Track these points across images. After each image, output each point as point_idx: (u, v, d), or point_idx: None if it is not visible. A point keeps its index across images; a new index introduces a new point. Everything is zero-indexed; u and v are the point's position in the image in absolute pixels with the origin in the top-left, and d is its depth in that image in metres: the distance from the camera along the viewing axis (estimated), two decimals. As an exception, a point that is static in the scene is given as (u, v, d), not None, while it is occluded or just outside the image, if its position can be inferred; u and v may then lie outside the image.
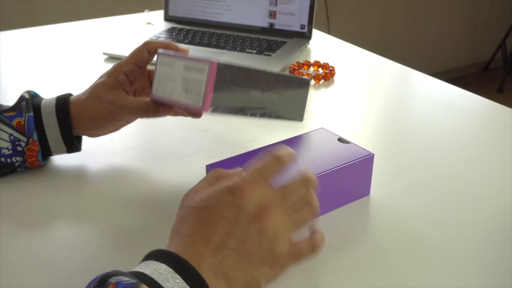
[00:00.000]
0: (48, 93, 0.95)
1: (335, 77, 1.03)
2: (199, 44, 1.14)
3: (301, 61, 1.08)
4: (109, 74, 0.68)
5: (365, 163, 0.64)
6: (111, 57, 1.11)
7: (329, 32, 2.54)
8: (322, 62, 1.06)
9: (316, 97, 0.95)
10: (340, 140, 0.66)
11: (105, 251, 0.57)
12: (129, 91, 0.68)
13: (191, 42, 1.15)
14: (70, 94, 0.70)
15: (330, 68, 1.03)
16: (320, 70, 1.05)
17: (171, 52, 0.62)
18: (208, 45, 1.14)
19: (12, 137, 0.65)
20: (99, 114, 0.67)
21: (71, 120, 0.67)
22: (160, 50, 0.63)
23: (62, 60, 1.10)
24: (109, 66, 1.07)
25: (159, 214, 0.63)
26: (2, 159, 0.66)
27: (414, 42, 3.25)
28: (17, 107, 0.66)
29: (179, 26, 1.23)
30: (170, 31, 1.21)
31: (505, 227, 0.61)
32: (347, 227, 0.61)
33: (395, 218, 0.63)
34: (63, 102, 0.68)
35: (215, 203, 0.47)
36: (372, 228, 0.61)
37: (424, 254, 0.57)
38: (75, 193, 0.67)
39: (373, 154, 0.64)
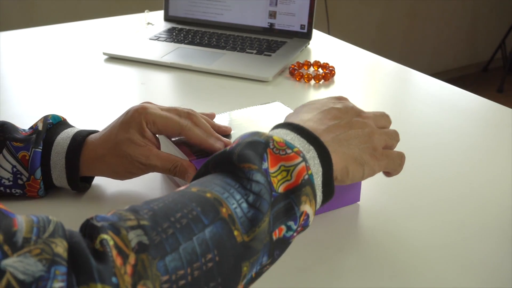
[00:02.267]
0: (48, 93, 0.95)
1: (335, 77, 1.03)
2: (199, 44, 1.14)
3: (301, 61, 1.08)
4: (135, 128, 0.61)
5: None
6: (111, 57, 1.11)
7: (329, 32, 2.54)
8: (322, 62, 1.06)
9: (316, 97, 0.95)
10: None
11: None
12: (157, 144, 0.64)
13: (191, 42, 1.15)
14: (90, 133, 0.65)
15: (330, 68, 1.03)
16: (320, 70, 1.05)
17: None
18: (208, 45, 1.14)
19: (14, 169, 0.62)
20: (126, 169, 0.63)
21: (82, 164, 0.63)
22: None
23: (62, 60, 1.10)
24: (109, 66, 1.08)
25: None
26: (1, 188, 0.63)
27: (414, 42, 3.25)
28: (26, 139, 0.63)
29: (179, 26, 1.23)
30: (170, 31, 1.21)
31: (505, 227, 0.61)
32: (348, 227, 0.61)
33: (395, 218, 0.63)
34: (78, 142, 0.63)
35: (323, 100, 0.58)
36: (372, 228, 0.61)
37: (424, 254, 0.57)
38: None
39: None
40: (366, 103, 0.93)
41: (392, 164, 0.57)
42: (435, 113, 0.89)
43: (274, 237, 0.44)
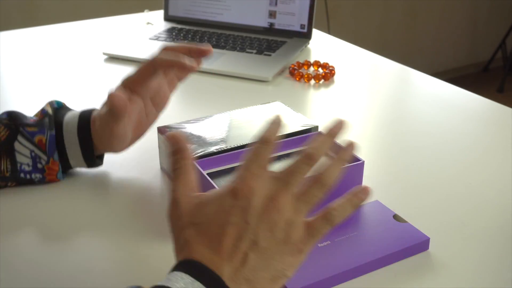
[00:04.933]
0: (48, 93, 0.95)
1: (335, 77, 1.03)
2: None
3: (301, 61, 1.08)
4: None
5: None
6: (111, 57, 1.11)
7: (329, 32, 2.54)
8: (322, 62, 1.06)
9: (316, 97, 0.95)
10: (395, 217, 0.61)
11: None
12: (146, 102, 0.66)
13: (191, 42, 1.15)
14: (93, 110, 0.67)
15: (330, 68, 1.03)
16: (320, 70, 1.05)
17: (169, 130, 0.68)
18: (208, 45, 1.14)
19: (33, 154, 0.64)
20: (119, 138, 0.65)
21: (92, 139, 0.66)
22: (160, 128, 0.69)
23: (62, 60, 1.10)
24: (109, 66, 1.08)
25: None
26: (22, 175, 0.64)
27: (414, 42, 3.25)
28: (39, 123, 0.65)
29: (179, 26, 1.23)
30: (170, 31, 1.21)
31: (506, 227, 0.61)
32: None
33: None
34: (85, 121, 0.66)
35: (217, 212, 0.44)
36: (372, 228, 0.61)
37: (424, 254, 0.57)
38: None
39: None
40: (366, 103, 0.93)
41: (323, 235, 0.46)
42: (435, 113, 0.89)
43: None
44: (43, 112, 0.66)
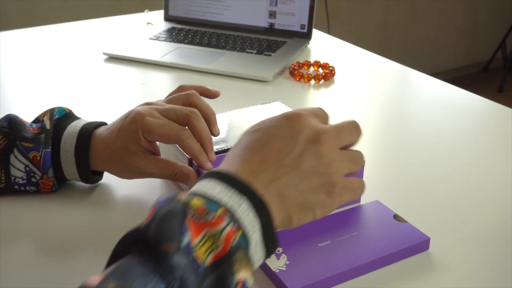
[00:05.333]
0: (48, 93, 0.95)
1: (335, 77, 1.03)
2: (199, 44, 1.14)
3: (301, 61, 1.08)
4: (131, 137, 0.60)
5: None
6: (111, 57, 1.11)
7: (329, 32, 2.54)
8: (322, 62, 1.06)
9: (316, 97, 0.95)
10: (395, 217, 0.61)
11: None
12: (155, 150, 0.63)
13: (191, 42, 1.15)
14: (96, 126, 0.65)
15: (330, 68, 1.03)
16: (320, 70, 1.05)
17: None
18: (208, 45, 1.14)
19: (27, 168, 0.63)
20: (126, 173, 0.64)
21: (91, 159, 0.63)
22: None
23: (62, 60, 1.10)
24: (109, 66, 1.08)
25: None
26: (16, 187, 0.64)
27: (414, 42, 3.25)
28: (35, 139, 0.63)
29: (179, 26, 1.23)
30: (170, 31, 1.21)
31: (506, 227, 0.61)
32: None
33: (395, 218, 0.63)
34: (85, 138, 0.63)
35: (271, 126, 0.48)
36: (372, 228, 0.61)
37: (424, 254, 0.57)
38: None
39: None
40: (366, 103, 0.93)
41: (354, 196, 0.49)
42: (435, 113, 0.89)
43: None
44: (41, 126, 0.64)
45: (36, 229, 0.60)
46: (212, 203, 0.41)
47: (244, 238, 0.41)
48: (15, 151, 0.63)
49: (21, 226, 0.61)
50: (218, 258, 0.39)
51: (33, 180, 0.63)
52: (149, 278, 0.37)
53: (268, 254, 0.45)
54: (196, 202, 0.41)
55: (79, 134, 0.63)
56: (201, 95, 0.68)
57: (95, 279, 0.37)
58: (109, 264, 0.41)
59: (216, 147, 0.65)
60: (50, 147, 0.63)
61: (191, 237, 0.39)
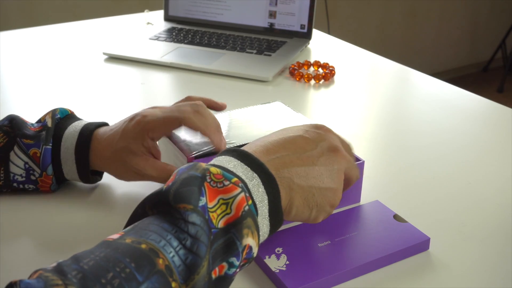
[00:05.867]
0: (49, 93, 0.95)
1: (335, 77, 1.03)
2: (199, 44, 1.14)
3: (301, 61, 1.08)
4: (135, 138, 0.61)
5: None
6: (111, 57, 1.11)
7: (329, 32, 2.54)
8: (322, 62, 1.06)
9: (316, 97, 0.95)
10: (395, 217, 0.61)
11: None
12: (156, 153, 0.63)
13: (191, 42, 1.15)
14: (98, 126, 0.65)
15: (330, 68, 1.03)
16: (320, 70, 1.05)
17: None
18: (208, 45, 1.14)
19: (27, 166, 0.63)
20: (125, 174, 0.63)
21: (91, 158, 0.63)
22: None
23: (62, 60, 1.10)
24: (109, 66, 1.08)
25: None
26: (15, 184, 0.64)
27: (414, 42, 3.25)
28: (36, 136, 0.63)
29: (179, 26, 1.23)
30: (170, 31, 1.21)
31: (505, 227, 0.61)
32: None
33: (395, 218, 0.63)
34: (86, 138, 0.63)
35: (298, 128, 0.53)
36: (372, 228, 0.61)
37: (425, 254, 0.57)
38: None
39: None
40: (366, 103, 0.93)
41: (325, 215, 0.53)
42: (435, 113, 0.89)
43: (214, 276, 0.42)
44: (42, 124, 0.64)
45: (36, 229, 0.60)
46: (226, 173, 0.45)
47: (254, 208, 0.45)
48: (15, 148, 0.63)
49: (21, 226, 0.61)
50: (230, 221, 0.43)
51: (32, 178, 0.63)
52: (165, 233, 0.40)
53: (271, 231, 0.48)
54: (214, 169, 0.45)
55: (80, 132, 0.64)
56: (208, 107, 0.68)
57: (115, 235, 0.41)
58: (128, 224, 0.45)
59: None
60: (50, 144, 0.63)
61: (207, 200, 0.43)
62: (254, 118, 0.72)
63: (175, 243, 0.40)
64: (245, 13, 1.20)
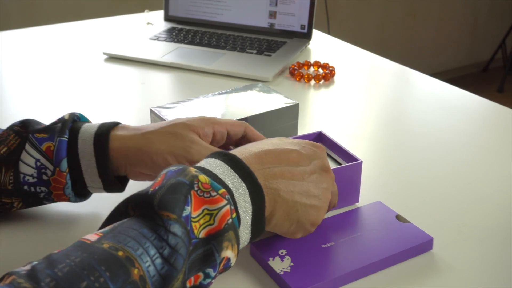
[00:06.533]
0: (49, 93, 0.95)
1: (335, 77, 1.03)
2: (199, 44, 1.14)
3: (301, 61, 1.08)
4: (195, 120, 0.58)
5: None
6: (111, 57, 1.11)
7: (329, 32, 2.54)
8: (322, 62, 1.06)
9: (316, 97, 0.95)
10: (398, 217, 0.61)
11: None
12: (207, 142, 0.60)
13: (191, 42, 1.15)
14: (118, 123, 0.59)
15: (330, 68, 1.03)
16: (320, 70, 1.05)
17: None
18: (208, 45, 1.14)
19: (38, 163, 0.56)
20: (142, 165, 0.57)
21: (111, 148, 0.57)
22: (153, 109, 0.70)
23: (62, 60, 1.10)
24: (109, 66, 1.08)
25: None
26: (25, 187, 0.57)
27: (414, 42, 3.25)
28: (50, 129, 0.57)
29: (179, 26, 1.23)
30: (170, 31, 1.21)
31: (505, 227, 0.61)
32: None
33: (395, 218, 0.63)
34: (107, 127, 0.58)
35: (296, 142, 0.54)
36: (372, 228, 0.61)
37: (428, 254, 0.57)
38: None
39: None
40: (366, 103, 0.93)
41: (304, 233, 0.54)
42: (435, 113, 0.89)
43: (188, 285, 0.42)
44: (59, 119, 0.59)
45: (36, 229, 0.60)
46: (215, 182, 0.44)
47: (237, 220, 0.45)
48: (27, 145, 0.56)
49: (21, 226, 0.61)
50: (211, 232, 0.43)
51: (44, 177, 0.56)
52: (144, 240, 0.40)
53: (252, 239, 0.48)
54: (203, 178, 0.44)
55: (101, 124, 0.58)
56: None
57: (93, 236, 0.40)
58: (107, 220, 0.44)
59: None
60: (66, 136, 0.56)
61: (192, 209, 0.42)
62: (241, 99, 0.74)
63: (152, 251, 0.39)
64: (245, 13, 1.20)
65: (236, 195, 0.46)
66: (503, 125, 0.85)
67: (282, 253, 0.54)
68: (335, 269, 0.52)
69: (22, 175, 0.56)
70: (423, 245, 0.56)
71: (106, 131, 0.57)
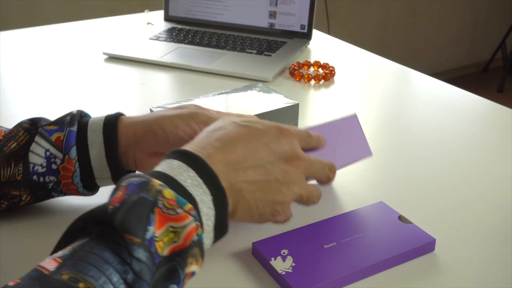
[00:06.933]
0: (49, 93, 0.95)
1: (335, 77, 1.03)
2: (199, 44, 1.14)
3: (301, 61, 1.08)
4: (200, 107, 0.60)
5: None
6: (111, 57, 1.11)
7: (329, 32, 2.54)
8: (322, 62, 1.06)
9: (316, 97, 0.95)
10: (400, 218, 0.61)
11: None
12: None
13: (191, 42, 1.15)
14: (122, 114, 0.61)
15: (330, 68, 1.03)
16: (320, 70, 1.05)
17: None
18: (208, 45, 1.14)
19: (48, 153, 0.57)
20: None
21: (119, 129, 0.58)
22: (153, 109, 0.69)
23: (62, 60, 1.10)
24: (109, 66, 1.08)
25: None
26: (35, 177, 0.58)
27: (414, 42, 3.25)
28: (60, 121, 0.59)
29: (179, 26, 1.23)
30: (170, 31, 1.21)
31: (505, 227, 0.61)
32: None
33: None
34: (115, 116, 0.59)
35: (261, 128, 0.51)
36: (372, 228, 0.61)
37: (430, 255, 0.57)
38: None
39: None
40: (366, 103, 0.93)
41: (281, 221, 0.53)
42: (435, 113, 0.89)
43: None
44: (68, 113, 0.60)
45: (36, 229, 0.60)
46: (181, 197, 0.42)
47: (201, 237, 0.43)
48: (37, 137, 0.58)
49: (20, 226, 0.61)
50: (176, 250, 0.41)
51: (53, 166, 0.57)
52: (106, 266, 0.37)
53: (214, 242, 0.47)
54: (168, 194, 0.42)
55: (107, 115, 0.60)
56: None
57: (51, 263, 0.37)
58: (64, 237, 0.41)
59: None
60: (75, 127, 0.58)
61: (155, 228, 0.40)
62: (240, 99, 0.74)
63: (115, 277, 0.37)
64: (245, 13, 1.20)
65: (200, 205, 0.44)
66: (503, 125, 0.85)
67: (284, 253, 0.54)
68: (337, 269, 0.52)
69: (31, 165, 0.57)
70: (426, 246, 0.56)
71: (115, 116, 0.59)
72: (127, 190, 0.41)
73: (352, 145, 0.64)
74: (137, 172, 0.61)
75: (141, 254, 0.38)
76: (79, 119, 0.59)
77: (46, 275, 0.36)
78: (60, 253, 0.38)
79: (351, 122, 0.63)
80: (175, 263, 0.41)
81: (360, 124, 0.64)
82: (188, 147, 0.48)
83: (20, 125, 0.60)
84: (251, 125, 0.51)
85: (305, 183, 0.54)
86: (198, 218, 0.43)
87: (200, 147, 0.48)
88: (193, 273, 0.43)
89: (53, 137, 0.58)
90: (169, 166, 0.45)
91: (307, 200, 0.54)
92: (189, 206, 0.42)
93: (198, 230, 0.42)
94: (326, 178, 0.57)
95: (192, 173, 0.45)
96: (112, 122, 0.59)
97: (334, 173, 0.57)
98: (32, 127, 0.59)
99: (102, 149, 0.58)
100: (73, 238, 0.41)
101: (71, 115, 0.59)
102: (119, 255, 0.38)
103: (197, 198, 0.44)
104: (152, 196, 0.41)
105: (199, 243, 0.42)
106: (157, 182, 0.42)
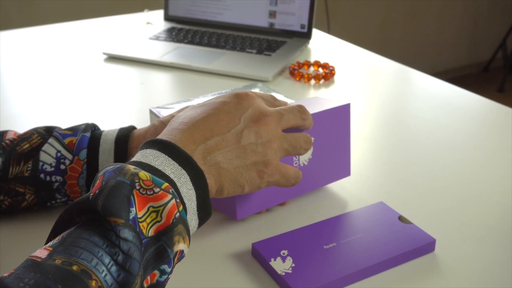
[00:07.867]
0: (49, 93, 0.95)
1: (335, 77, 1.03)
2: (199, 43, 1.14)
3: (301, 61, 1.08)
4: None
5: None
6: (111, 57, 1.11)
7: (329, 32, 2.54)
8: (322, 62, 1.06)
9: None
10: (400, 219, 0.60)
11: None
12: None
13: (191, 42, 1.15)
14: (134, 127, 0.63)
15: (330, 68, 1.03)
16: (320, 70, 1.05)
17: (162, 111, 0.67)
18: (208, 45, 1.14)
19: (59, 154, 0.59)
20: None
21: (130, 141, 0.60)
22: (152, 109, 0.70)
23: (62, 60, 1.10)
24: (109, 65, 1.08)
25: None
26: (42, 175, 0.59)
27: (414, 42, 3.25)
28: (74, 128, 0.61)
29: (179, 26, 1.23)
30: (170, 31, 1.21)
31: (505, 227, 0.61)
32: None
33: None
34: (126, 130, 0.61)
35: (219, 101, 0.52)
36: (372, 228, 0.61)
37: (430, 256, 0.57)
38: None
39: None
40: (366, 103, 0.93)
41: (284, 182, 0.53)
42: (435, 113, 0.89)
43: (146, 285, 0.41)
44: (83, 123, 0.63)
45: (36, 229, 0.60)
46: (156, 177, 0.43)
47: (184, 214, 0.43)
48: (51, 139, 0.60)
49: (20, 225, 0.60)
50: (160, 229, 0.41)
51: (62, 167, 0.59)
52: (96, 249, 0.38)
53: (200, 224, 0.47)
54: (143, 175, 0.42)
55: (120, 128, 0.62)
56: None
57: (42, 252, 0.38)
58: (53, 231, 0.42)
59: None
60: (89, 133, 0.60)
61: (136, 210, 0.41)
62: None
63: (106, 259, 0.38)
64: (245, 13, 1.20)
65: (178, 185, 0.44)
66: (503, 125, 0.85)
67: (283, 253, 0.54)
68: (337, 270, 0.52)
69: (41, 163, 0.59)
70: (426, 246, 0.56)
71: (128, 128, 0.61)
72: (104, 177, 0.42)
73: (337, 165, 0.63)
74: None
75: (127, 233, 0.39)
76: (93, 129, 0.62)
77: (39, 262, 0.37)
78: (50, 243, 0.39)
79: (343, 111, 0.62)
80: (162, 243, 0.41)
81: (349, 115, 0.63)
82: (157, 137, 0.49)
83: (35, 129, 0.62)
84: (208, 101, 0.53)
85: (284, 136, 0.53)
86: (177, 196, 0.44)
87: (167, 135, 0.49)
88: (181, 252, 0.43)
89: (66, 140, 0.60)
90: (142, 155, 0.46)
91: (294, 149, 0.54)
92: (165, 184, 0.43)
93: (179, 207, 0.43)
94: (301, 121, 0.56)
95: (164, 157, 0.45)
96: (125, 133, 0.61)
97: (306, 115, 0.56)
98: (46, 133, 0.61)
99: (111, 156, 0.60)
100: (61, 231, 0.41)
101: (85, 124, 0.62)
102: (107, 238, 0.39)
103: (175, 179, 0.44)
104: (128, 179, 0.42)
105: (182, 220, 0.43)
106: (131, 167, 0.43)
